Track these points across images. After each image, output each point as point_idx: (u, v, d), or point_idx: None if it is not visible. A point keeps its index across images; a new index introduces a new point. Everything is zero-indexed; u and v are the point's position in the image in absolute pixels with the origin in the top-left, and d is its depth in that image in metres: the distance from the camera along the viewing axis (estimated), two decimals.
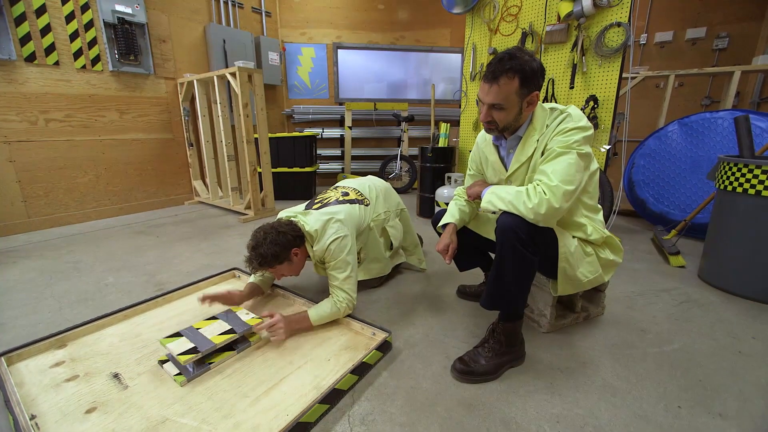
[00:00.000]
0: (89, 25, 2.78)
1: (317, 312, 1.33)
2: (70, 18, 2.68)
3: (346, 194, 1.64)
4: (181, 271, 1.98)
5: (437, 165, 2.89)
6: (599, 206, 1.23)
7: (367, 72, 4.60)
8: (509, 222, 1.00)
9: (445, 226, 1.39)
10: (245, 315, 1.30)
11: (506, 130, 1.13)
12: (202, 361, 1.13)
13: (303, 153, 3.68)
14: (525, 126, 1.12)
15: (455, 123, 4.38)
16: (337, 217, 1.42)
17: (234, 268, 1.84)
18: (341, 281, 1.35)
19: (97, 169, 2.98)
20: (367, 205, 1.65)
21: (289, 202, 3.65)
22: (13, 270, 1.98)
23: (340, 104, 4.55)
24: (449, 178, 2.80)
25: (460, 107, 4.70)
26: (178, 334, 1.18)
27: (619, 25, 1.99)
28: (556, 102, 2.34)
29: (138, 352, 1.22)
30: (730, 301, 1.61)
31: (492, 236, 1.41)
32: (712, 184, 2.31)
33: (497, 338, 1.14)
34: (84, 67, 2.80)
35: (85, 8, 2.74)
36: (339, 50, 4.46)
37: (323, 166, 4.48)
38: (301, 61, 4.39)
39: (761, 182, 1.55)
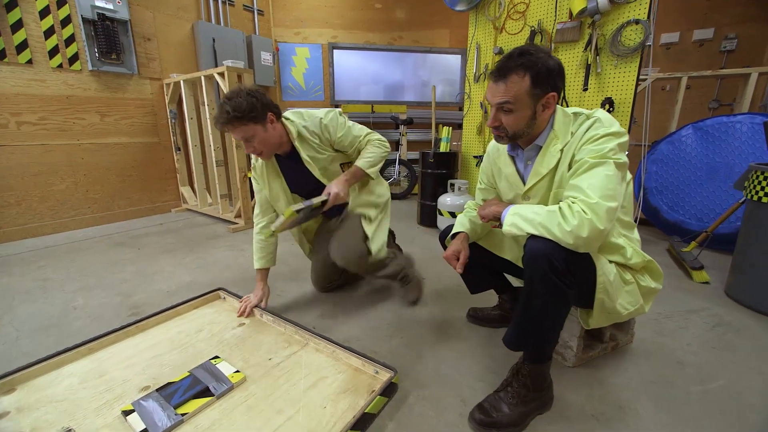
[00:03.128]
0: (66, 21, 2.58)
1: (365, 160, 1.39)
2: (44, 13, 2.48)
3: None
4: (161, 290, 1.79)
5: (439, 171, 2.73)
6: (633, 222, 1.07)
7: (363, 73, 4.43)
8: (541, 248, 0.84)
9: (455, 236, 1.23)
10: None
11: (518, 137, 0.97)
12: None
13: None
14: (545, 134, 0.97)
15: (455, 126, 4.23)
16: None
17: (219, 288, 1.66)
18: (363, 138, 1.42)
19: (75, 175, 2.78)
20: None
21: None
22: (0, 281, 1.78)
23: (336, 106, 4.37)
24: (452, 185, 2.63)
25: (460, 109, 4.58)
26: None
27: (637, 22, 1.85)
28: (567, 104, 2.19)
29: (100, 398, 1.04)
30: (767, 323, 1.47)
31: (508, 255, 1.26)
32: (738, 193, 2.17)
33: (522, 381, 0.97)
34: (60, 66, 2.60)
35: (61, 3, 2.54)
36: (335, 50, 4.29)
37: None
38: (295, 62, 4.22)
39: None
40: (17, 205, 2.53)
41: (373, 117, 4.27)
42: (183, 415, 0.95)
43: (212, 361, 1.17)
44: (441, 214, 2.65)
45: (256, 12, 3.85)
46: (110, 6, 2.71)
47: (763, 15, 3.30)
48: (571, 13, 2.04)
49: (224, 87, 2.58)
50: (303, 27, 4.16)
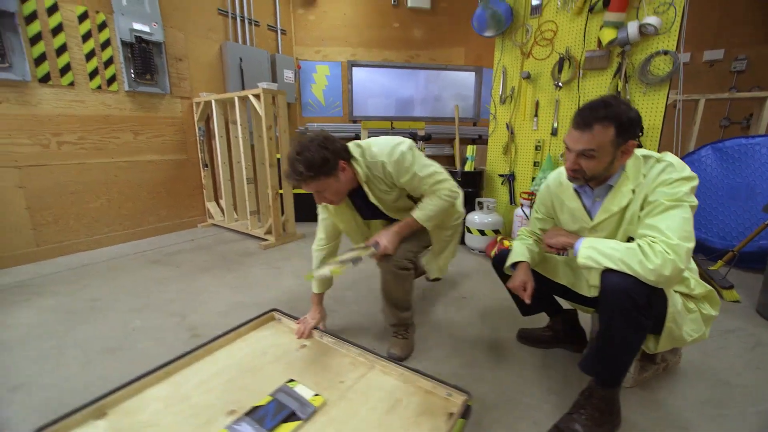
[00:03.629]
0: (106, 44, 2.67)
1: (423, 212, 1.32)
2: (87, 37, 2.57)
3: None
4: (212, 310, 1.84)
5: (466, 189, 2.80)
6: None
7: (381, 90, 4.53)
8: (622, 284, 0.90)
9: (514, 265, 1.30)
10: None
11: (594, 179, 1.05)
12: None
13: None
14: (617, 175, 1.04)
15: (469, 141, 4.33)
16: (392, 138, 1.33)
17: (273, 310, 1.71)
18: (430, 187, 1.30)
19: (109, 192, 2.83)
20: None
21: (306, 224, 3.52)
22: (26, 310, 1.82)
23: (354, 122, 4.47)
24: (480, 203, 2.71)
25: (474, 125, 4.69)
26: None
27: (666, 53, 1.95)
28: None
29: (189, 422, 1.08)
30: None
31: (563, 281, 1.32)
32: (761, 214, 2.25)
33: (596, 405, 1.03)
34: (99, 87, 2.67)
35: (102, 27, 2.63)
36: (353, 68, 4.39)
37: None
38: (315, 79, 4.32)
39: None
40: (54, 223, 2.58)
41: (392, 133, 4.36)
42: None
43: (289, 384, 1.22)
44: (470, 231, 2.72)
45: (279, 32, 3.96)
46: (147, 29, 2.80)
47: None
48: (600, 42, 2.14)
49: (259, 109, 2.66)
50: (323, 45, 4.27)
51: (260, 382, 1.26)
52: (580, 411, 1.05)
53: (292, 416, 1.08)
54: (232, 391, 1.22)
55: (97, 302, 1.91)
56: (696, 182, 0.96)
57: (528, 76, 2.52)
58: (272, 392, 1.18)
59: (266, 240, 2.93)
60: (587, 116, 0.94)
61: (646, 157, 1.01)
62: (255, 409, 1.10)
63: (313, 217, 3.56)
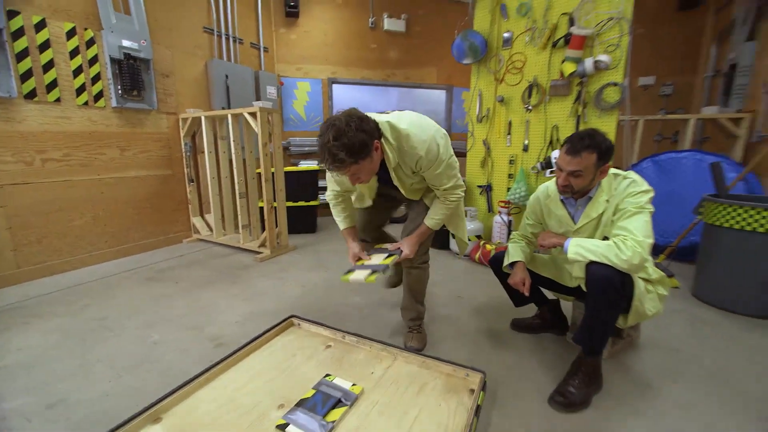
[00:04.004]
0: (93, 61, 2.65)
1: (434, 221, 1.43)
2: (74, 53, 2.54)
3: None
4: (228, 321, 1.91)
5: None
6: None
7: (360, 106, 4.69)
8: (603, 272, 1.18)
9: (512, 264, 1.55)
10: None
11: (578, 193, 1.33)
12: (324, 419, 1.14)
13: (307, 187, 3.70)
14: (595, 189, 1.33)
15: None
16: (424, 118, 1.31)
17: (291, 316, 1.82)
18: (446, 189, 1.35)
19: (94, 209, 2.77)
20: None
21: (294, 236, 3.61)
22: (30, 333, 1.78)
23: None
24: (465, 213, 2.99)
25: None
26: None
27: (615, 84, 2.36)
28: (561, 145, 2.65)
29: (244, 419, 1.19)
30: (730, 319, 1.93)
31: (547, 274, 1.60)
32: (690, 215, 2.72)
33: (585, 371, 1.29)
34: (86, 103, 2.64)
35: (90, 43, 2.62)
36: (334, 85, 4.59)
37: (320, 198, 4.49)
38: (297, 95, 4.45)
39: (744, 219, 1.91)
40: (38, 243, 2.49)
41: None
42: (332, 422, 1.14)
43: (327, 378, 1.36)
44: (454, 237, 2.98)
45: (262, 49, 4.06)
46: (136, 46, 2.81)
47: (691, 68, 4.13)
48: (562, 73, 2.53)
49: (255, 126, 2.76)
50: (304, 63, 4.42)
51: (299, 379, 1.39)
52: (573, 377, 1.30)
53: (338, 403, 1.22)
54: (274, 389, 1.33)
55: (105, 321, 1.91)
56: (652, 194, 1.27)
57: (502, 100, 2.86)
58: (314, 386, 1.32)
59: (261, 253, 2.99)
60: (576, 145, 1.22)
61: (615, 175, 1.31)
62: (303, 401, 1.24)
63: (294, 230, 3.68)
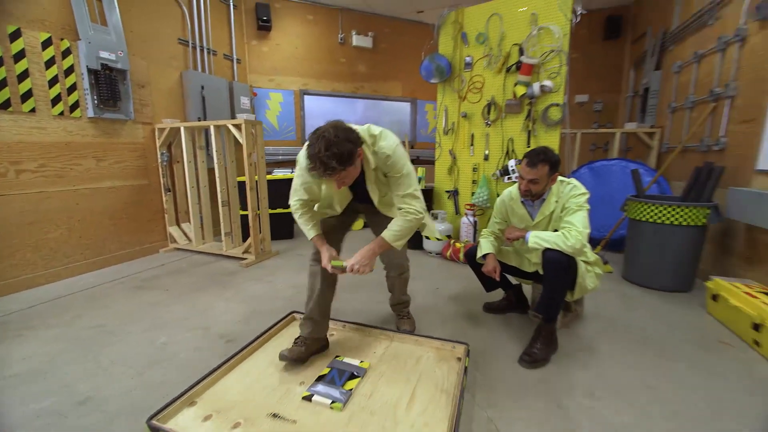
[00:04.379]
0: (69, 71, 2.63)
1: (391, 233, 1.42)
2: (50, 63, 2.52)
3: None
4: (231, 320, 2.04)
5: None
6: None
7: (331, 116, 4.95)
8: (556, 256, 1.53)
9: (485, 256, 1.88)
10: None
11: (535, 196, 1.69)
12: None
13: (284, 194, 3.83)
14: (547, 193, 1.70)
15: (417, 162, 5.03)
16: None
17: (292, 312, 2.01)
18: (405, 195, 1.41)
19: (70, 221, 2.72)
20: None
21: (274, 242, 3.73)
22: (29, 344, 1.78)
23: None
24: (435, 215, 3.33)
25: (412, 147, 5.41)
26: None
27: (557, 105, 2.83)
28: (516, 156, 3.08)
29: (272, 395, 1.38)
30: (650, 294, 2.42)
31: (513, 263, 1.95)
32: (622, 214, 3.28)
33: (544, 335, 1.64)
34: (62, 113, 2.61)
35: (66, 53, 2.60)
36: (305, 96, 4.77)
37: None
38: (269, 105, 4.57)
39: (656, 214, 2.42)
40: (10, 256, 2.41)
41: None
42: (350, 390, 1.37)
43: (337, 358, 1.58)
44: (428, 238, 3.31)
45: (234, 61, 4.15)
46: (113, 57, 2.82)
47: (616, 89, 4.87)
48: (515, 94, 2.96)
49: (240, 137, 2.89)
50: (276, 74, 4.56)
51: (312, 363, 1.59)
52: (535, 341, 1.64)
53: (352, 376, 1.45)
54: (293, 371, 1.53)
55: (105, 328, 1.95)
56: (588, 195, 1.66)
57: (465, 115, 3.25)
58: (329, 365, 1.53)
59: (245, 259, 3.10)
60: (534, 159, 1.57)
61: (561, 181, 1.68)
62: (321, 377, 1.45)
63: (282, 236, 3.80)
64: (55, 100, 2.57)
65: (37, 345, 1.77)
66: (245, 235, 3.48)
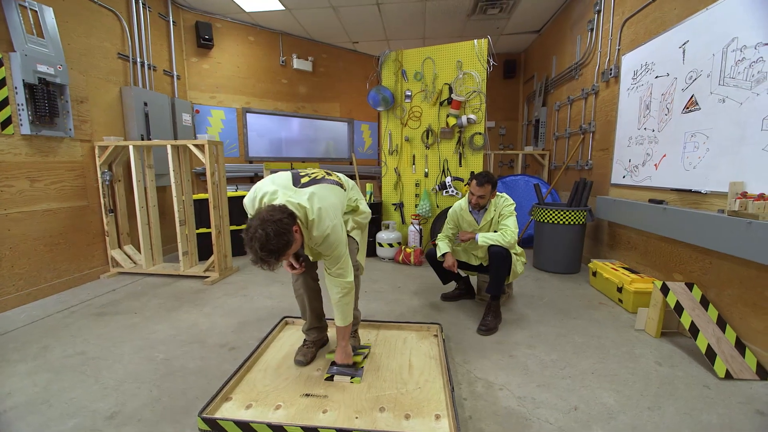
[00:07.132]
0: (1, 84, 2.41)
1: (339, 317, 1.58)
2: None
3: (329, 174, 1.72)
4: (224, 331, 2.16)
5: (373, 216, 3.83)
6: None
7: (273, 134, 5.13)
8: (499, 249, 2.12)
9: (444, 255, 2.40)
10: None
11: (481, 207, 2.28)
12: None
13: (237, 211, 3.88)
14: (488, 204, 2.30)
15: (352, 176, 5.45)
16: (329, 201, 1.49)
17: (285, 317, 2.23)
18: (336, 268, 1.51)
19: (0, 250, 2.44)
20: (345, 190, 1.71)
21: (241, 258, 3.74)
22: (9, 379, 1.67)
23: (251, 162, 4.89)
24: (386, 225, 3.80)
25: (350, 164, 5.84)
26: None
27: (480, 134, 3.58)
28: (451, 174, 3.75)
29: (297, 381, 1.63)
30: (553, 276, 3.25)
31: (463, 258, 2.51)
32: (529, 218, 4.19)
33: (493, 310, 2.21)
34: None
35: None
36: (248, 114, 4.84)
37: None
38: (211, 122, 4.53)
39: (551, 217, 3.28)
40: None
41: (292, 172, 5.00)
42: (362, 368, 1.71)
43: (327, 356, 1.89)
44: (381, 245, 3.75)
45: (174, 77, 4.06)
46: (52, 71, 2.65)
47: (514, 117, 6.05)
48: (447, 124, 3.63)
49: (202, 158, 2.95)
50: (218, 92, 4.56)
51: (318, 353, 1.87)
52: (487, 315, 2.20)
53: (358, 353, 1.79)
54: (296, 368, 1.79)
55: (87, 354, 1.90)
56: (515, 205, 2.30)
57: (407, 139, 3.82)
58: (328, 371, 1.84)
59: (207, 277, 3.11)
60: (482, 180, 2.15)
61: (498, 195, 2.30)
62: (333, 363, 1.75)
63: (237, 253, 3.82)
64: None
65: (19, 379, 1.67)
66: (201, 254, 3.46)
